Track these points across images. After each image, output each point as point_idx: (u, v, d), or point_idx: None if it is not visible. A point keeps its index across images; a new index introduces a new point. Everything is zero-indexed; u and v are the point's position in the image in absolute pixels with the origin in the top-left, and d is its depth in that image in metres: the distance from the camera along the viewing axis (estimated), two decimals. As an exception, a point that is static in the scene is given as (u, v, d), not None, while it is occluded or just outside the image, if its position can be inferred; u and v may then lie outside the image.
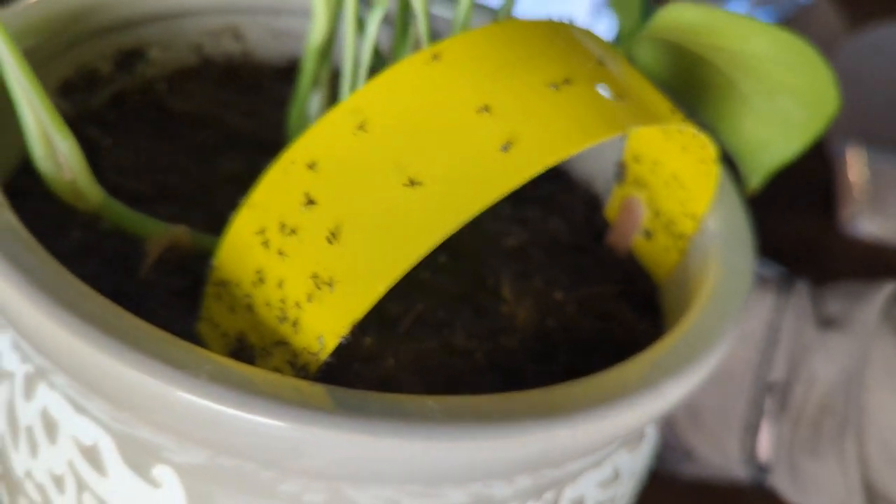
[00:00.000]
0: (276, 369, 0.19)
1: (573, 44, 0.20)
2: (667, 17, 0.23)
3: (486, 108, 0.18)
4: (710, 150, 0.23)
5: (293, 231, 0.19)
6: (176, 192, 0.28)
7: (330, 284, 0.18)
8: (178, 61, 0.33)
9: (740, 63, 0.24)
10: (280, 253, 0.19)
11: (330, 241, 0.18)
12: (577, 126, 0.18)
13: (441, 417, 0.18)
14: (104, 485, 0.21)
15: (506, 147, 0.17)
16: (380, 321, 0.25)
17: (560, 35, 0.20)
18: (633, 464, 0.25)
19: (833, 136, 0.61)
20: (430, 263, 0.27)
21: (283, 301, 0.19)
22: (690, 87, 0.28)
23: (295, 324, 0.19)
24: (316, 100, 0.29)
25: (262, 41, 0.35)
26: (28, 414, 0.22)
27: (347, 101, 0.18)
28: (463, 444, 0.18)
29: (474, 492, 0.22)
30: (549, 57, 0.19)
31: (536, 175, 0.17)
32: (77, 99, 0.30)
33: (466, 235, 0.29)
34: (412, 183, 0.18)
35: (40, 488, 0.23)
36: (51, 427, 0.22)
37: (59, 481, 0.22)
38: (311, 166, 0.19)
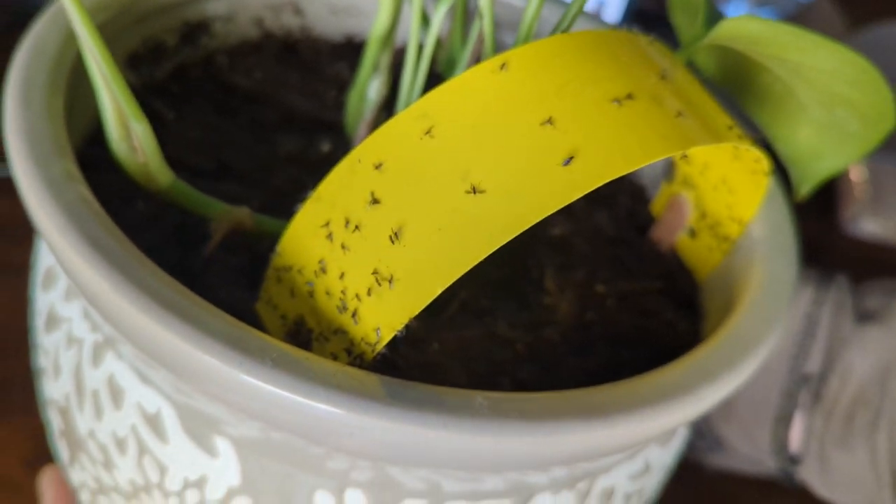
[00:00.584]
0: (333, 355, 0.20)
1: (637, 57, 0.20)
2: (731, 27, 0.23)
3: (550, 121, 0.18)
4: (763, 164, 0.23)
5: (357, 227, 0.19)
6: (236, 170, 0.29)
7: (390, 281, 0.19)
8: (239, 35, 0.34)
9: (801, 74, 0.25)
10: (343, 247, 0.20)
11: (392, 241, 0.19)
12: (638, 143, 0.18)
13: (488, 413, 0.19)
14: (164, 450, 0.22)
15: (567, 161, 0.18)
16: (428, 307, 0.26)
17: (625, 47, 0.20)
18: (664, 458, 0.26)
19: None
20: None
21: (343, 292, 0.20)
22: (749, 92, 0.29)
23: (354, 314, 0.20)
24: (375, 84, 0.29)
25: (321, 16, 0.35)
26: (95, 379, 0.24)
27: (415, 105, 0.19)
28: (505, 440, 0.19)
29: (511, 479, 0.23)
30: (614, 71, 0.19)
31: (594, 188, 0.18)
32: (143, 71, 0.31)
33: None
34: (475, 191, 0.18)
35: (102, 448, 0.24)
36: (116, 393, 0.23)
37: (121, 444, 0.23)
38: (378, 167, 0.19)
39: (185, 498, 0.23)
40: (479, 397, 0.19)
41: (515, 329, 0.27)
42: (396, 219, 0.19)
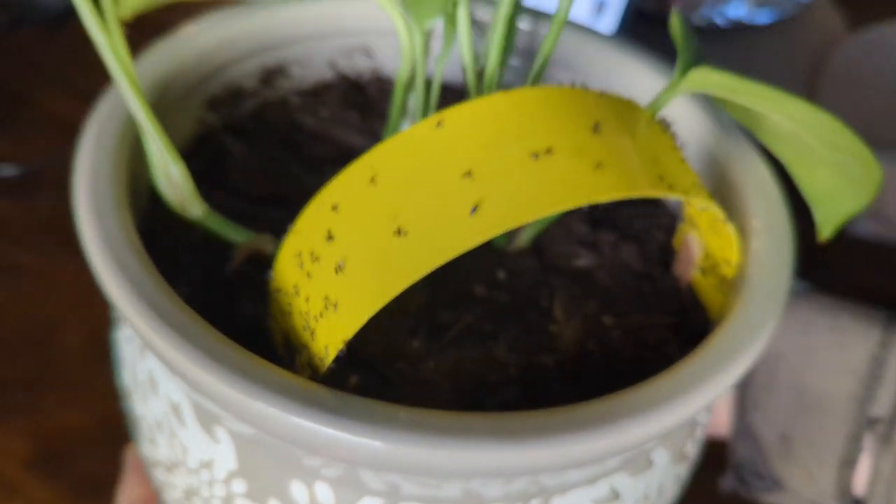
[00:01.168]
0: (303, 366, 0.24)
1: (575, 112, 0.22)
2: (697, 79, 0.24)
3: (469, 174, 0.21)
4: (715, 213, 0.24)
5: (317, 259, 0.23)
6: (286, 198, 0.33)
7: (335, 306, 0.22)
8: (314, 77, 0.38)
9: (780, 127, 0.25)
10: (308, 275, 0.23)
11: (337, 272, 0.22)
12: (542, 194, 0.20)
13: (404, 427, 0.21)
14: (185, 434, 0.27)
15: (473, 210, 0.20)
16: (432, 328, 0.29)
17: (564, 103, 0.22)
18: (636, 488, 0.27)
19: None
20: (488, 279, 0.31)
21: (307, 313, 0.23)
22: (762, 131, 0.29)
23: (312, 333, 0.23)
24: (406, 125, 0.32)
25: (390, 58, 0.39)
26: (141, 372, 0.29)
27: (364, 157, 0.22)
28: (462, 454, 0.21)
29: (468, 488, 0.25)
30: (542, 127, 0.21)
31: (495, 235, 0.20)
32: (223, 111, 0.36)
33: (527, 256, 0.32)
34: (400, 232, 0.21)
35: (150, 429, 0.29)
36: (154, 385, 0.28)
37: (159, 426, 0.28)
38: (334, 208, 0.23)
39: (201, 475, 0.27)
40: (402, 412, 0.22)
41: (512, 353, 0.29)
42: (342, 253, 0.22)
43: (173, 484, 0.29)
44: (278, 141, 0.36)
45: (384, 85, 0.39)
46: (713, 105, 0.32)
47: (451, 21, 0.27)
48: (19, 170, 0.69)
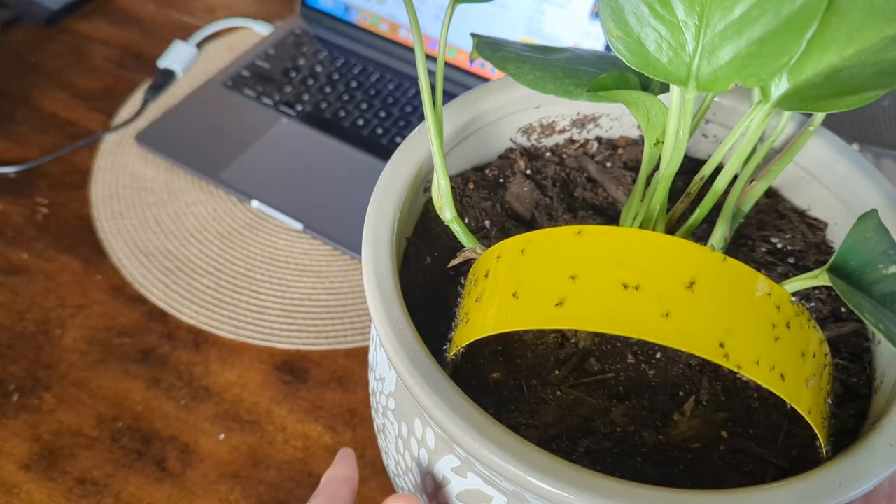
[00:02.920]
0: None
1: (682, 266, 0.24)
2: None
3: (574, 277, 0.24)
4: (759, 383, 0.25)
5: (475, 284, 0.28)
6: (531, 223, 0.36)
7: (467, 321, 0.27)
8: (621, 131, 0.40)
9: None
10: (468, 293, 0.28)
11: (477, 300, 0.26)
12: (610, 315, 0.24)
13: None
14: (379, 355, 0.31)
15: (559, 304, 0.24)
16: (577, 368, 0.31)
17: (681, 255, 0.25)
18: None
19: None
20: (645, 352, 0.32)
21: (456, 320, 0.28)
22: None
23: (452, 332, 0.28)
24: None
25: (695, 139, 0.39)
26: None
27: (526, 234, 0.27)
28: None
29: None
30: (647, 268, 0.24)
31: (564, 328, 0.23)
32: (532, 138, 0.38)
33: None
34: (515, 295, 0.25)
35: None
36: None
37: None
38: (497, 258, 0.27)
39: (379, 385, 0.31)
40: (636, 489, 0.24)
41: (627, 418, 0.29)
42: (483, 290, 0.27)
43: (370, 380, 0.33)
44: (559, 174, 0.37)
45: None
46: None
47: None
48: (19, 169, 0.69)
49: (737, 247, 0.35)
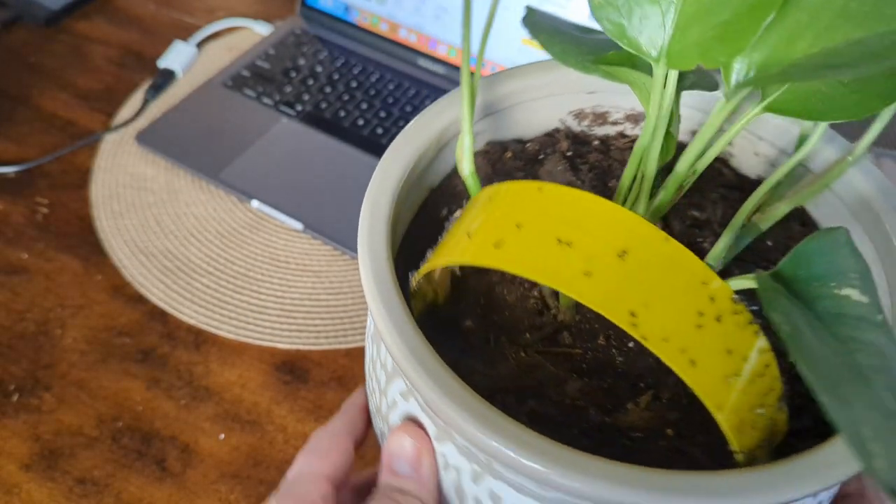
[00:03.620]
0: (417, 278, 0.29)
1: (617, 233, 0.25)
2: None
3: (519, 225, 0.25)
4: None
5: (467, 221, 0.28)
6: None
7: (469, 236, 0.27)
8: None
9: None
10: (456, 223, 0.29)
11: (468, 236, 0.26)
12: (540, 264, 0.24)
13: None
14: None
15: (497, 245, 0.25)
16: (547, 336, 0.31)
17: (615, 222, 0.25)
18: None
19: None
20: (618, 339, 0.32)
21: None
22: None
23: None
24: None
25: (746, 155, 0.38)
26: (475, 491, 0.29)
27: (530, 183, 0.27)
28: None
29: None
30: (582, 226, 0.25)
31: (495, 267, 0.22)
32: (584, 124, 0.38)
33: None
34: (497, 245, 0.25)
35: None
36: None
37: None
38: (490, 198, 0.27)
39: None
40: (634, 472, 0.24)
41: (580, 393, 0.30)
42: (474, 227, 0.27)
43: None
44: (600, 163, 0.37)
45: (737, 175, 0.39)
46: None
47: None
48: (19, 169, 0.69)
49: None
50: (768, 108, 0.28)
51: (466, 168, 0.32)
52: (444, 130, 0.35)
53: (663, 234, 0.25)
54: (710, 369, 0.24)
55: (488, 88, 0.37)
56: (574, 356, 0.31)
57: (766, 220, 0.32)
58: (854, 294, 0.25)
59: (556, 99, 0.38)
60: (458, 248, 0.27)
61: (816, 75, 0.23)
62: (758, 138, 0.37)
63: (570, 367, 0.30)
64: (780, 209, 0.31)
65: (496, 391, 0.29)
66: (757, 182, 0.37)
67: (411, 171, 0.33)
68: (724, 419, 0.24)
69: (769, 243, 0.33)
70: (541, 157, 0.38)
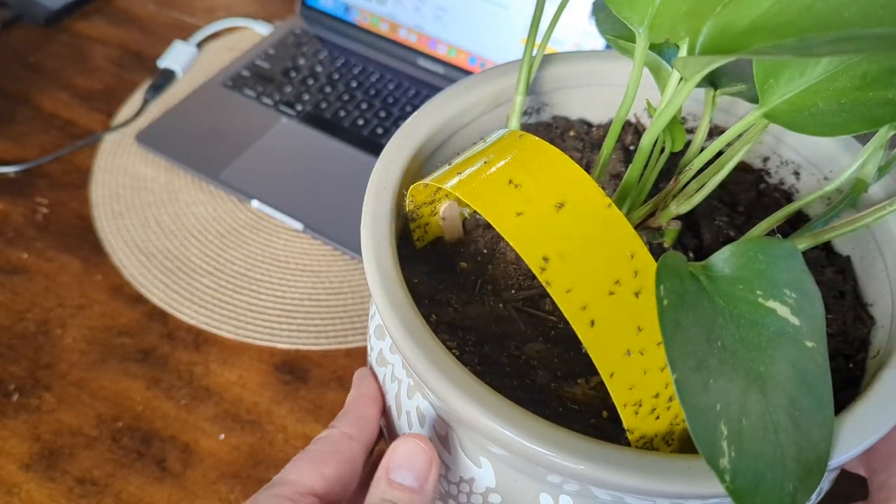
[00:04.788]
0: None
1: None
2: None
3: (489, 160, 0.27)
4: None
5: (465, 163, 0.29)
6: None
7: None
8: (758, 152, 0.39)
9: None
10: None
11: (456, 174, 0.28)
12: (484, 195, 0.27)
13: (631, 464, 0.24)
14: (449, 458, 0.29)
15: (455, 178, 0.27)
16: (531, 298, 0.32)
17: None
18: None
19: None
20: None
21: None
22: None
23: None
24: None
25: (809, 183, 0.38)
26: (408, 405, 0.31)
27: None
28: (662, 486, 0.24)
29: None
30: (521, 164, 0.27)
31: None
32: None
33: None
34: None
35: None
36: (422, 418, 0.30)
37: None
38: (485, 140, 0.30)
39: (461, 488, 0.30)
40: (625, 454, 0.24)
41: (537, 356, 0.30)
42: (463, 162, 0.29)
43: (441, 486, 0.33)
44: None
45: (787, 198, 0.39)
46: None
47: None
48: (19, 169, 0.69)
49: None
50: (767, 116, 0.28)
51: (514, 122, 0.34)
52: (451, 120, 0.35)
53: (608, 200, 0.26)
54: (611, 336, 0.25)
55: (564, 63, 0.37)
56: (548, 322, 0.31)
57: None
58: (781, 309, 0.25)
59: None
60: (437, 175, 0.29)
61: (764, 52, 0.22)
62: (824, 177, 0.36)
63: (540, 331, 0.31)
64: (803, 243, 0.30)
65: (461, 328, 0.31)
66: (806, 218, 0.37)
67: (419, 153, 0.34)
68: (614, 387, 0.25)
69: None
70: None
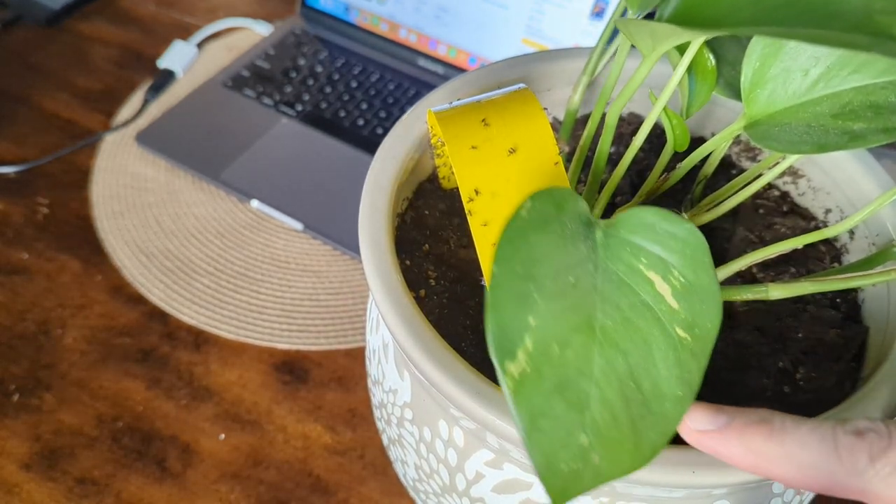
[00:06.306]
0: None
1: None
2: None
3: (485, 118, 0.29)
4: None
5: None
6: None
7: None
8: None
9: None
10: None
11: (449, 106, 0.31)
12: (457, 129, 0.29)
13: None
14: (386, 367, 0.34)
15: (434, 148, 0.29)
16: None
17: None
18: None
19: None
20: None
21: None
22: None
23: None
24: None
25: (808, 194, 0.38)
26: (377, 341, 0.36)
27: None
28: None
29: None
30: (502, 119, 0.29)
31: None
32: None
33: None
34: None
35: (374, 353, 0.37)
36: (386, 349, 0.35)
37: (375, 353, 0.36)
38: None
39: (388, 398, 0.35)
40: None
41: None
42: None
43: (374, 393, 0.38)
44: None
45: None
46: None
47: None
48: (19, 169, 0.69)
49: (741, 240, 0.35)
50: (747, 126, 0.28)
51: (576, 99, 0.36)
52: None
53: (558, 158, 0.28)
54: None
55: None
56: None
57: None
58: (661, 286, 0.23)
59: None
60: (455, 104, 0.30)
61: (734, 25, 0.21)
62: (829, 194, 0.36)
63: None
64: (806, 289, 0.29)
65: (447, 264, 0.33)
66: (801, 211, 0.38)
67: (415, 149, 0.35)
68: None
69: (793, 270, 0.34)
70: None
